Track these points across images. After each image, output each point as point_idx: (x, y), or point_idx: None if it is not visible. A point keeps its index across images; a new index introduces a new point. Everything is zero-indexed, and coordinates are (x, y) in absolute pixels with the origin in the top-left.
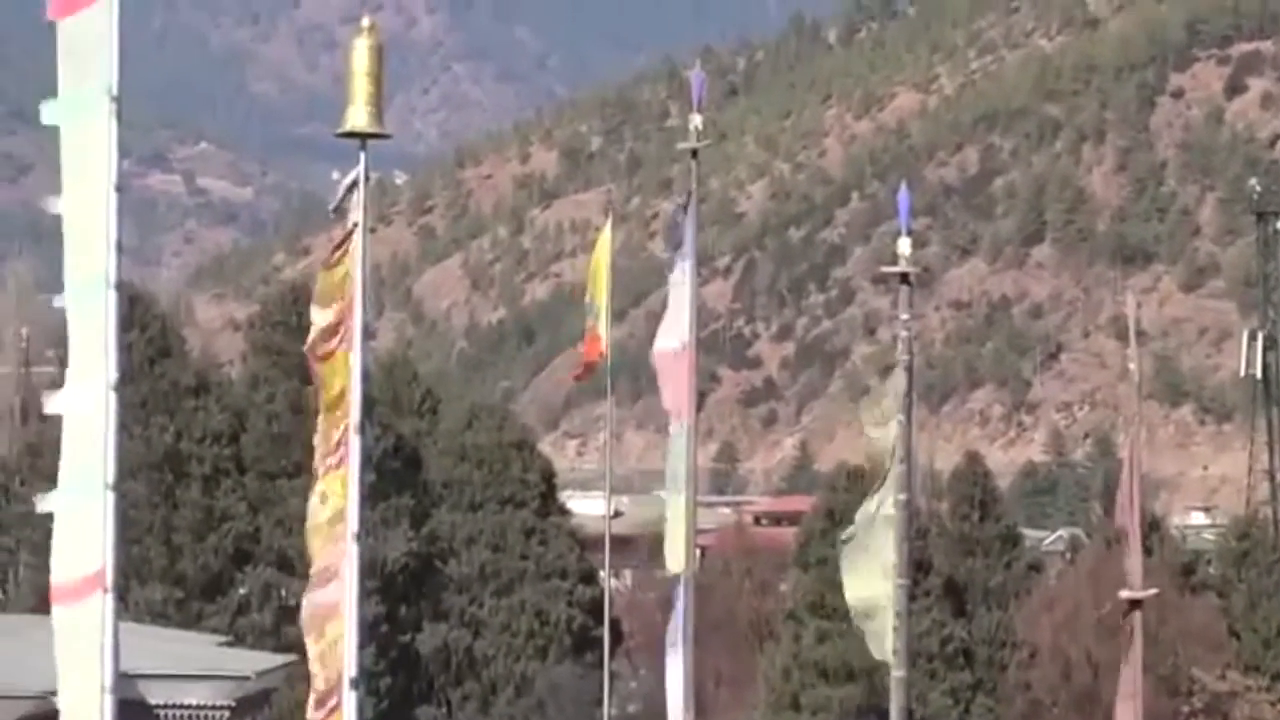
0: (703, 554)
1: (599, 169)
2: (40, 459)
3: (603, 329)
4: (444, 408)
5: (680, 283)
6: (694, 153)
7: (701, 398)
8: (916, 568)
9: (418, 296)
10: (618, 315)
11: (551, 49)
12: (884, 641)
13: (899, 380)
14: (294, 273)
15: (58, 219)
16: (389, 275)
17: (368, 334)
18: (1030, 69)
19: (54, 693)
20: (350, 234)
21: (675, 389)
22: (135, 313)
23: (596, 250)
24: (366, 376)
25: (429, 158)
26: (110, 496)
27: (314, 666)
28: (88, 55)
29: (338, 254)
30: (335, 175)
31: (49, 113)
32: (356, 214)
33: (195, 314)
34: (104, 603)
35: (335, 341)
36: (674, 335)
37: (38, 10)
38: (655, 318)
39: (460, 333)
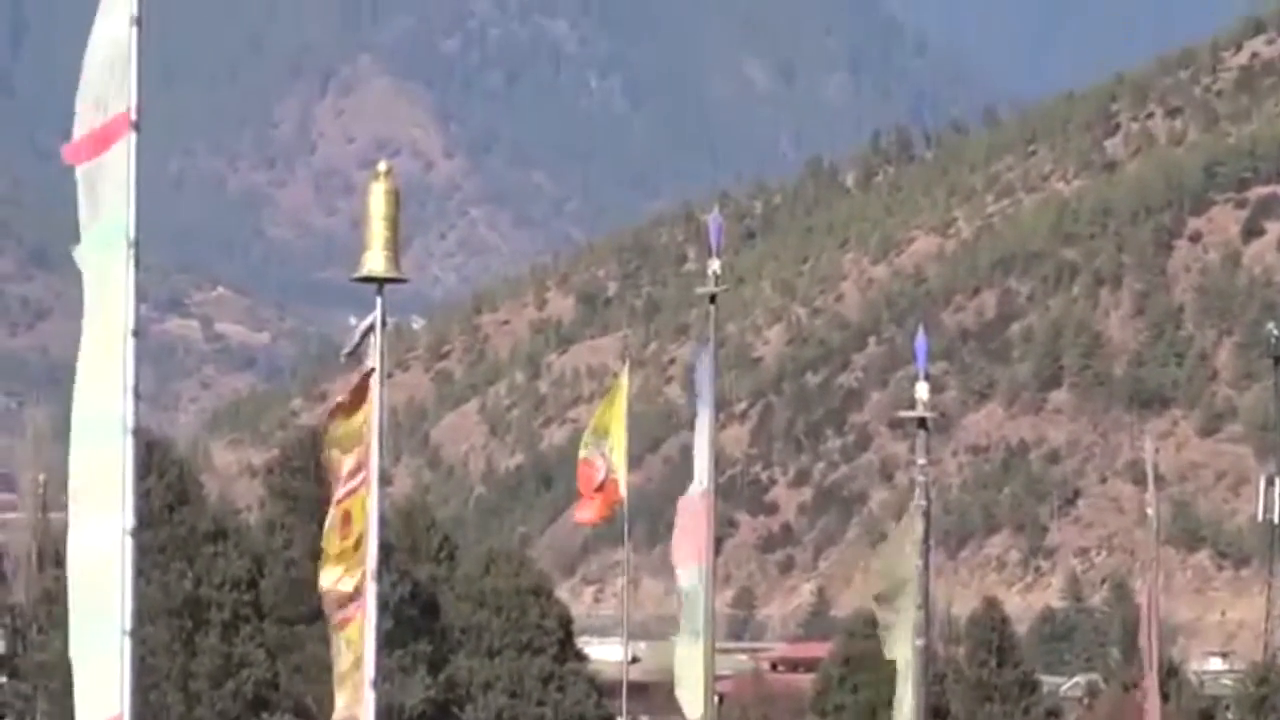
0: (720, 701)
1: (616, 314)
2: (56, 606)
3: (620, 474)
4: (461, 553)
5: (700, 429)
6: (712, 297)
7: (719, 543)
8: (934, 713)
9: (435, 442)
10: (634, 461)
11: (569, 194)
12: None
13: (916, 525)
14: (311, 418)
15: (75, 366)
16: (406, 420)
17: (384, 479)
18: (1048, 212)
19: None
20: (368, 379)
21: (694, 534)
22: (153, 458)
23: (612, 394)
24: (384, 522)
25: (446, 302)
26: (128, 642)
27: None
28: (106, 200)
29: (355, 400)
30: (352, 320)
31: (77, 256)
32: (373, 359)
33: (213, 459)
34: None
35: (354, 486)
36: (698, 478)
37: (54, 156)
38: (672, 463)
39: (478, 478)
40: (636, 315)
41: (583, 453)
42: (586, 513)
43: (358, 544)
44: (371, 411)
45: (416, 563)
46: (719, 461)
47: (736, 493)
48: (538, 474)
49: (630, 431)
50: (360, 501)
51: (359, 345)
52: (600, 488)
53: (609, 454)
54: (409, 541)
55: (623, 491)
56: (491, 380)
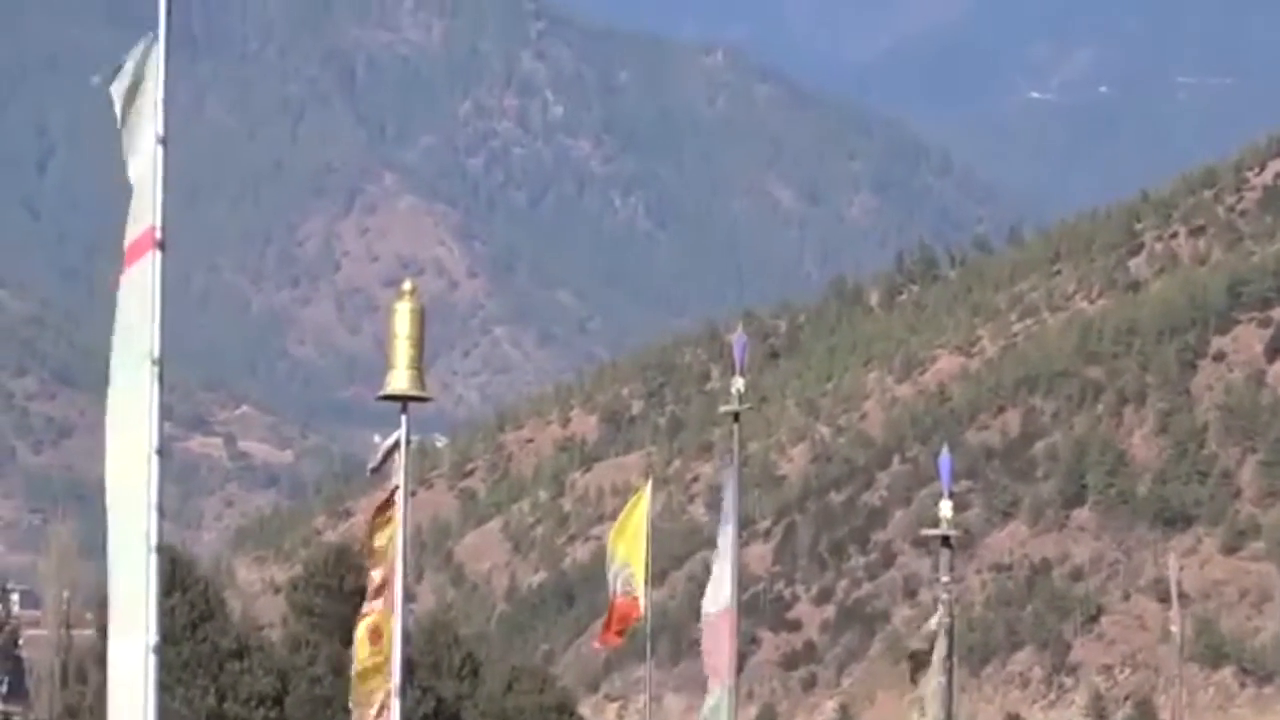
0: None
1: (640, 432)
2: None
3: (640, 591)
4: (485, 670)
5: (723, 546)
6: (735, 416)
7: (741, 660)
8: None
9: (458, 559)
10: (658, 578)
11: (592, 312)
12: None
13: (939, 643)
14: (335, 535)
15: (98, 483)
16: (430, 538)
17: (408, 596)
18: (1072, 332)
19: None
20: (392, 496)
21: (716, 651)
22: (177, 575)
23: (633, 510)
24: (407, 639)
25: (470, 420)
26: None
27: None
28: (131, 317)
29: (382, 516)
30: (376, 438)
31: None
32: (398, 477)
33: (236, 576)
34: None
35: (379, 603)
36: (716, 598)
37: (78, 277)
38: (695, 581)
39: (501, 595)
40: (660, 433)
41: (612, 583)
42: (609, 635)
43: (385, 659)
44: (396, 528)
45: (439, 679)
46: (742, 579)
47: (759, 610)
48: (561, 591)
49: (654, 548)
50: (387, 617)
51: (384, 462)
52: (610, 611)
53: (625, 573)
54: (432, 658)
55: (643, 608)
56: (515, 498)
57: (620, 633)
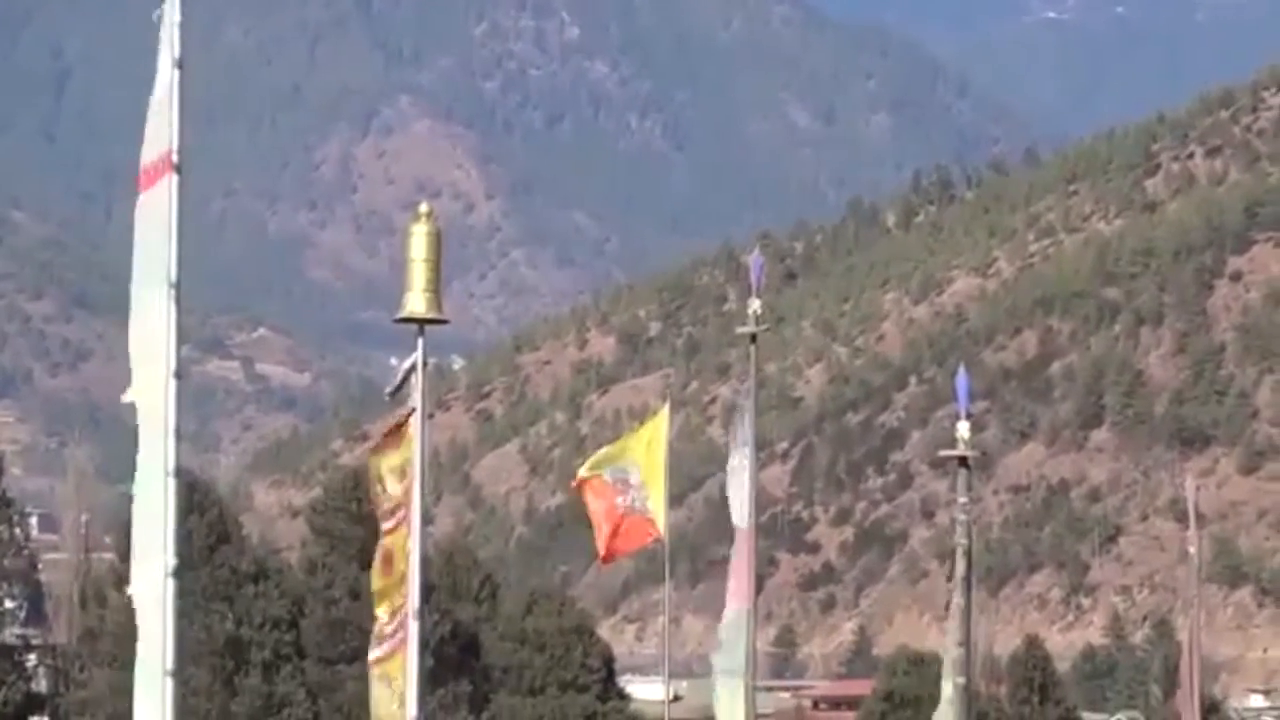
0: None
1: (657, 354)
2: (99, 644)
3: (659, 513)
4: (503, 593)
5: (740, 468)
6: (753, 337)
7: (760, 582)
8: None
9: (476, 482)
10: (676, 499)
11: (609, 233)
12: None
13: (958, 564)
14: (352, 459)
15: (115, 407)
16: (447, 460)
17: (426, 519)
18: (1089, 252)
19: None
20: (409, 418)
21: (735, 572)
22: (194, 500)
23: (649, 429)
24: (425, 562)
25: (487, 343)
26: (169, 683)
27: None
28: (148, 240)
29: (397, 438)
30: (393, 361)
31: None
32: (415, 400)
33: (254, 500)
34: None
35: (395, 524)
36: (738, 517)
37: (95, 200)
38: (713, 503)
39: (519, 518)
40: (677, 355)
41: (589, 472)
42: (609, 546)
43: (400, 581)
44: (413, 451)
45: (458, 602)
46: (759, 501)
47: (778, 532)
48: (578, 514)
49: (671, 470)
50: (402, 540)
51: (402, 385)
52: (615, 522)
53: (642, 493)
54: (450, 581)
55: (662, 530)
56: (532, 420)
57: (623, 550)
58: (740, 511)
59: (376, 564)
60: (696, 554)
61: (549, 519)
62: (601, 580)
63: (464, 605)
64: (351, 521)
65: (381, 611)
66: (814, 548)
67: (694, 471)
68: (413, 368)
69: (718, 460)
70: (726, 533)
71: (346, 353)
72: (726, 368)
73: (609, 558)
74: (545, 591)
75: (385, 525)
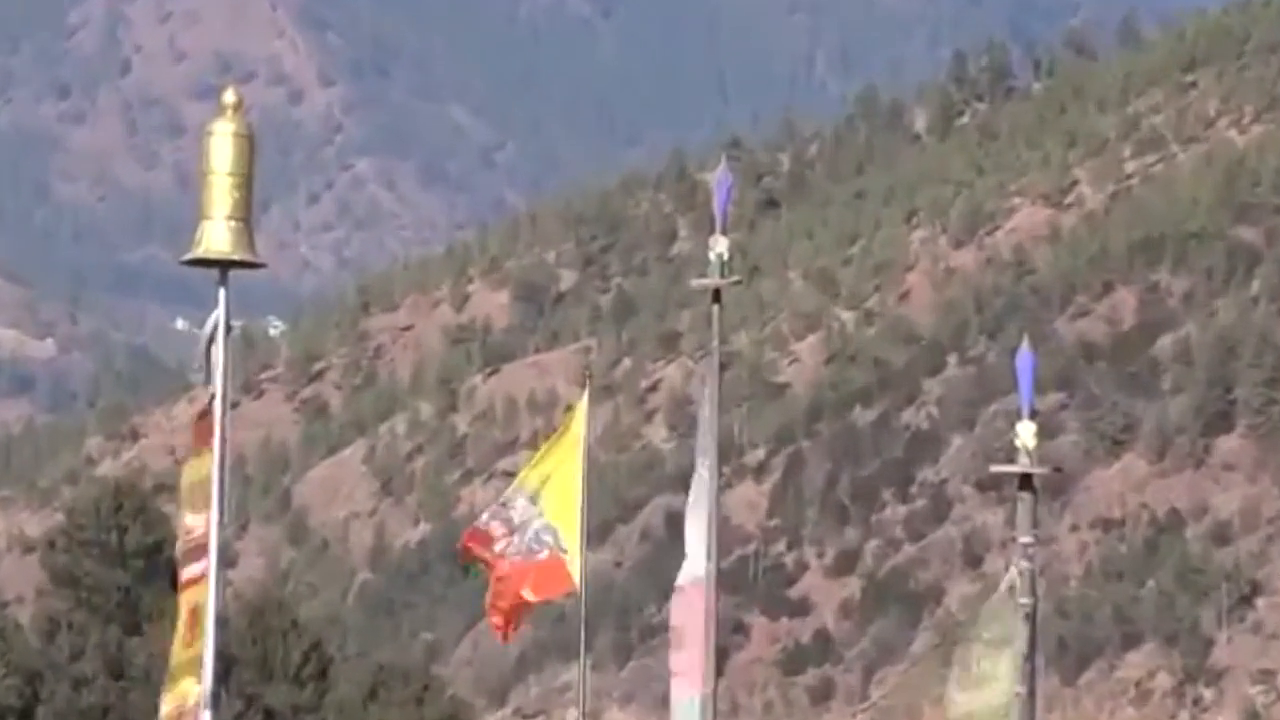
0: None
1: (573, 317)
2: None
3: (573, 554)
4: (337, 671)
5: (696, 489)
6: (715, 294)
7: (722, 658)
8: None
9: (301, 504)
10: (597, 534)
11: (503, 138)
12: None
13: (1017, 632)
14: (116, 468)
15: None
16: (259, 472)
17: (224, 559)
18: (1213, 174)
19: None
20: (207, 413)
21: (686, 643)
22: None
23: (562, 435)
24: (222, 623)
25: (320, 299)
26: None
27: None
28: None
29: (201, 441)
30: (180, 323)
31: None
32: (214, 384)
33: None
34: None
35: (198, 572)
36: (694, 561)
37: None
38: (653, 538)
39: (363, 559)
40: (602, 319)
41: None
42: (496, 618)
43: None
44: (211, 462)
45: (269, 683)
46: (724, 537)
47: (749, 585)
48: (453, 554)
49: (592, 491)
50: (206, 592)
51: (204, 361)
52: (506, 579)
53: (540, 524)
54: (259, 652)
55: (576, 580)
56: (385, 414)
57: (518, 614)
58: (695, 553)
59: (180, 630)
60: (627, 616)
61: (408, 561)
62: (485, 654)
63: (278, 688)
64: (110, 561)
65: (170, 697)
66: (802, 608)
67: (625, 492)
68: (211, 337)
69: (661, 476)
70: (672, 584)
71: (109, 310)
72: (676, 339)
73: (505, 626)
74: (400, 669)
75: (186, 572)
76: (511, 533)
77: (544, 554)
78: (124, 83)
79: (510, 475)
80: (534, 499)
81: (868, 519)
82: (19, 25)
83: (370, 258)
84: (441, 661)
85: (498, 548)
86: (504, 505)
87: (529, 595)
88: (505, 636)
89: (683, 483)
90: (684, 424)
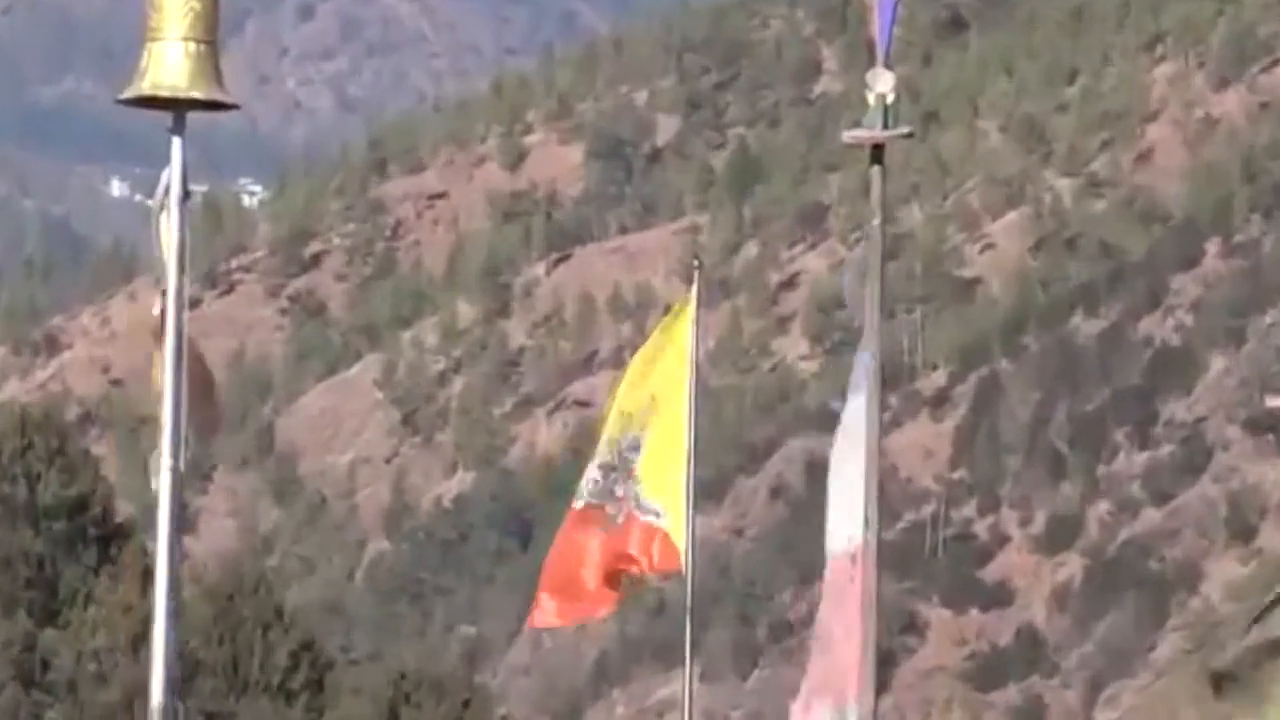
0: None
1: (673, 184)
2: None
3: (675, 517)
4: (339, 679)
5: (852, 425)
6: (876, 151)
7: (888, 662)
8: None
9: (285, 444)
10: (709, 491)
11: None
12: None
13: None
14: (24, 390)
15: None
16: (230, 400)
17: (178, 523)
18: None
19: None
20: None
21: (837, 639)
22: None
23: (660, 348)
24: (176, 614)
25: (316, 154)
26: None
27: None
28: None
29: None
30: (117, 188)
31: None
32: (166, 275)
33: None
34: None
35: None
36: (842, 530)
37: None
38: (789, 495)
39: (374, 521)
40: (715, 187)
41: (586, 491)
42: (548, 610)
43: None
44: (163, 387)
45: (244, 697)
46: (889, 497)
47: (924, 564)
48: (503, 512)
49: (702, 430)
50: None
51: (156, 238)
52: (574, 551)
53: (636, 474)
54: (229, 653)
55: (681, 554)
56: (408, 319)
57: (602, 599)
58: (845, 518)
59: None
60: (752, 606)
61: (439, 525)
62: (551, 657)
63: (255, 703)
64: (16, 525)
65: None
66: (1000, 596)
67: (750, 433)
68: (160, 208)
69: (800, 411)
70: (813, 565)
71: (18, 171)
72: (819, 215)
73: (572, 616)
74: (428, 678)
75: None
76: (614, 491)
77: (635, 517)
78: None
79: (583, 408)
80: (621, 440)
81: (1092, 472)
82: None
83: (386, 97)
84: (488, 668)
85: (618, 520)
86: (617, 462)
87: (614, 570)
88: (545, 621)
89: (829, 418)
90: (831, 335)
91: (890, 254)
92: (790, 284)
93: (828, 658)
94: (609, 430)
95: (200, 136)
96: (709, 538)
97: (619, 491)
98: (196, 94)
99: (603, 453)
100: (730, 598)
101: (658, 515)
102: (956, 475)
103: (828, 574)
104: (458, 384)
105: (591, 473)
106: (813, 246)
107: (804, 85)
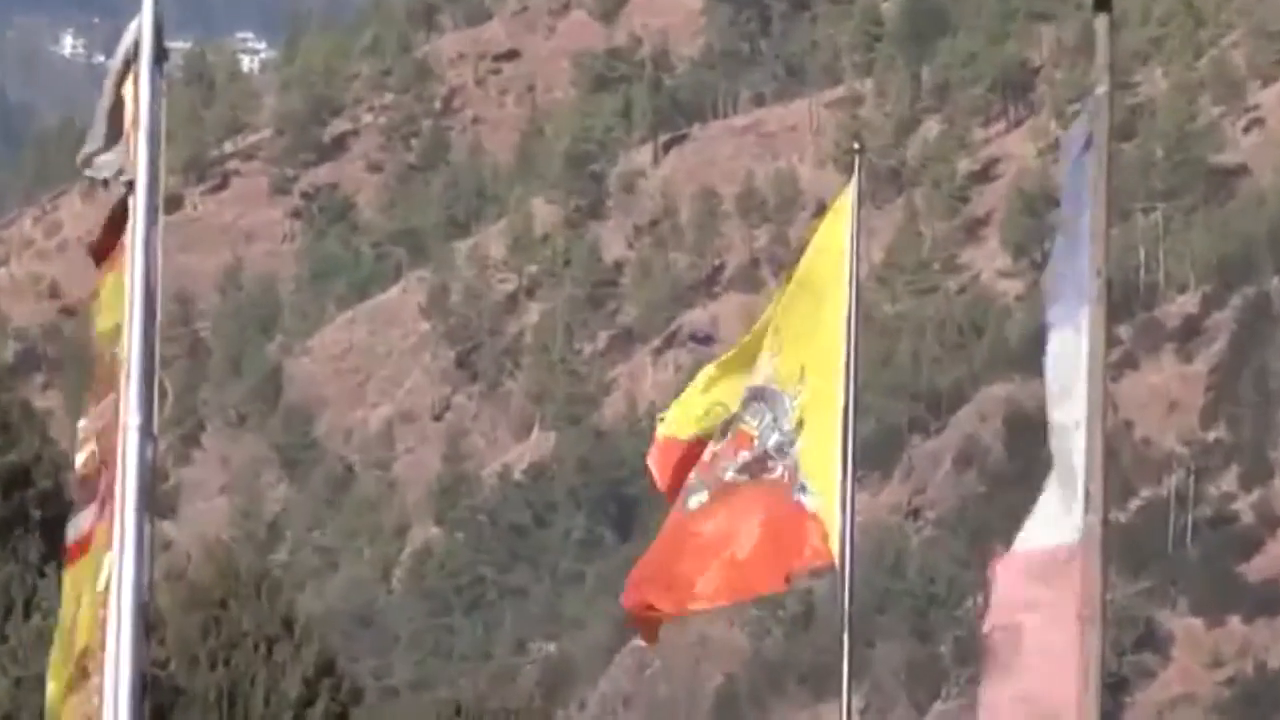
0: None
1: (823, 34)
2: None
3: (827, 496)
4: (371, 714)
5: (1069, 351)
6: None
7: (1116, 694)
8: None
9: (301, 395)
10: (876, 457)
11: None
12: None
13: None
14: None
15: None
16: (222, 335)
17: (147, 502)
18: None
19: None
20: (121, 219)
21: (1035, 663)
22: None
23: (813, 265)
24: (146, 629)
25: None
26: None
27: None
28: None
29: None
30: (68, 45)
31: None
32: (135, 159)
33: None
34: None
35: (88, 528)
36: (1051, 511)
37: None
38: (981, 465)
39: (422, 501)
40: (883, 38)
41: (674, 428)
42: (648, 622)
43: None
44: (124, 323)
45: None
46: (1118, 462)
47: (1167, 549)
48: (595, 488)
49: (865, 372)
50: (90, 571)
51: (111, 117)
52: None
53: (787, 439)
54: (224, 678)
55: (833, 547)
56: (465, 224)
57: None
58: (1058, 495)
59: (67, 642)
60: (934, 614)
61: (506, 504)
62: (658, 681)
63: None
64: None
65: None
66: (1271, 599)
67: (933, 376)
68: (123, 73)
69: (997, 344)
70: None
71: None
72: (1025, 81)
73: (647, 629)
74: (494, 711)
75: (72, 531)
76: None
77: (791, 496)
78: None
79: (703, 342)
80: (763, 389)
81: None
82: None
83: None
84: (573, 698)
85: (726, 474)
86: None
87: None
88: (652, 635)
89: (1037, 357)
90: (1041, 245)
91: (1122, 133)
92: (985, 175)
93: (1022, 680)
94: (728, 372)
95: None
96: (873, 521)
97: (774, 441)
98: None
99: (753, 374)
100: (903, 602)
101: (804, 490)
102: (1211, 435)
103: (1028, 568)
104: (533, 312)
105: (713, 408)
106: (1016, 124)
107: None
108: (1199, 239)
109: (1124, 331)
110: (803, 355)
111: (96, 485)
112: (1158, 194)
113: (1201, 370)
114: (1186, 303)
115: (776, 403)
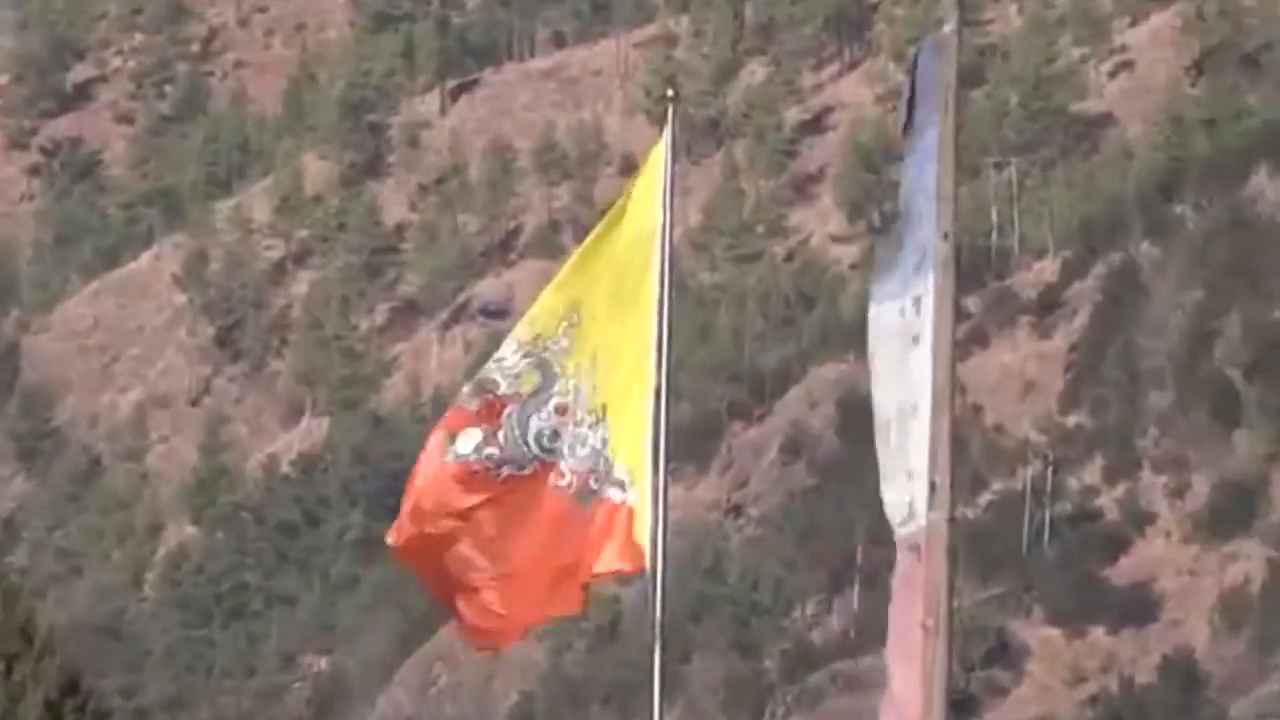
0: None
1: None
2: None
3: (639, 485)
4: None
5: (906, 332)
6: None
7: (962, 715)
8: None
9: (35, 377)
10: (691, 445)
11: None
12: None
13: None
14: None
15: None
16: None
17: None
18: None
19: None
20: None
21: (896, 672)
22: None
23: (616, 221)
24: None
25: None
26: None
27: None
28: None
29: None
30: None
31: None
32: None
33: None
34: None
35: None
36: (895, 507)
37: None
38: (810, 456)
39: (177, 498)
40: None
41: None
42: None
43: None
44: None
45: None
46: (966, 452)
47: (1022, 550)
48: (373, 480)
49: (679, 350)
50: None
51: None
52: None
53: (597, 422)
54: None
55: (642, 538)
56: (224, 180)
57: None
58: (902, 485)
59: None
60: (752, 627)
61: (275, 498)
62: (445, 699)
63: None
64: None
65: None
66: (1140, 606)
67: (758, 355)
68: None
69: (830, 317)
70: (849, 560)
71: None
72: (861, 18)
73: (483, 639)
74: None
75: None
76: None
77: (600, 490)
78: None
79: (496, 316)
80: (559, 358)
81: (1262, 398)
82: None
83: None
84: (348, 717)
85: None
86: (498, 363)
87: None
88: (494, 646)
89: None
90: (879, 204)
91: (970, 77)
92: (816, 125)
93: (891, 700)
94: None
95: None
96: (688, 518)
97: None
98: None
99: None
100: (722, 610)
101: (622, 486)
102: (1072, 421)
103: (897, 568)
104: (302, 282)
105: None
106: (850, 68)
107: None
108: (1058, 198)
109: (973, 303)
110: (605, 331)
111: None
112: (1011, 147)
113: (1061, 347)
114: (1044, 270)
115: (562, 382)
